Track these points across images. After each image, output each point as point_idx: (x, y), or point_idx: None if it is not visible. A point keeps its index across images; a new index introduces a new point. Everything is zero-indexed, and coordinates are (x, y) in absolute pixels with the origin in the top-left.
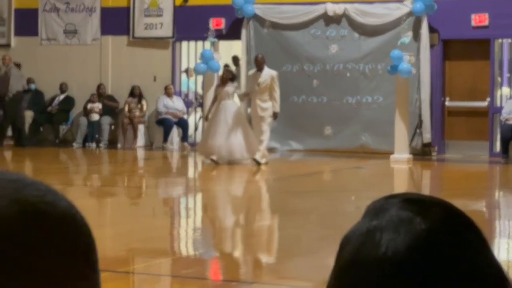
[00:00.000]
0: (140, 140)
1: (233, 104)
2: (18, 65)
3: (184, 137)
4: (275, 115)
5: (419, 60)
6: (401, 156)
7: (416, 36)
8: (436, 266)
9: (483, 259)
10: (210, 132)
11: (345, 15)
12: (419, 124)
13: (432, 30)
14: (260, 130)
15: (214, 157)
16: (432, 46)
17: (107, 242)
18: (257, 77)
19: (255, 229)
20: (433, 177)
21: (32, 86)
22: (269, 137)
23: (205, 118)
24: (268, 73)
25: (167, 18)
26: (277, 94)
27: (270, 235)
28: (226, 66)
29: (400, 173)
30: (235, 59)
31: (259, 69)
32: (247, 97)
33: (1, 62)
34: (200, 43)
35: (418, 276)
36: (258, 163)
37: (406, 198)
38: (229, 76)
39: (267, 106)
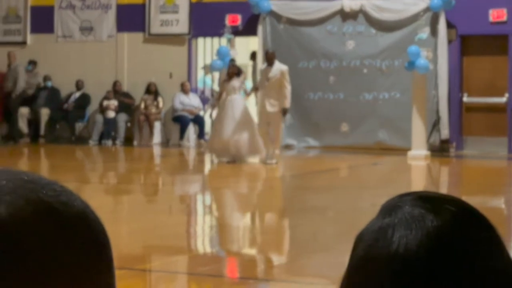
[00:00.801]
0: (156, 137)
1: (239, 99)
2: (34, 63)
3: (201, 134)
4: (284, 111)
5: (436, 56)
6: (418, 152)
7: (434, 32)
8: (446, 264)
9: (496, 258)
10: (217, 128)
11: (361, 11)
12: (437, 121)
13: (449, 25)
14: (268, 127)
15: (225, 159)
16: (449, 41)
17: (123, 239)
18: (267, 72)
19: (271, 226)
20: (451, 174)
21: (48, 84)
22: (281, 134)
23: (210, 114)
24: (278, 68)
25: (183, 14)
26: (287, 90)
27: (287, 232)
28: (232, 61)
29: (418, 170)
30: (254, 55)
31: (269, 64)
32: (256, 92)
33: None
34: (216, 39)
35: (428, 273)
36: (269, 164)
37: (420, 196)
38: (235, 71)
39: (277, 102)
